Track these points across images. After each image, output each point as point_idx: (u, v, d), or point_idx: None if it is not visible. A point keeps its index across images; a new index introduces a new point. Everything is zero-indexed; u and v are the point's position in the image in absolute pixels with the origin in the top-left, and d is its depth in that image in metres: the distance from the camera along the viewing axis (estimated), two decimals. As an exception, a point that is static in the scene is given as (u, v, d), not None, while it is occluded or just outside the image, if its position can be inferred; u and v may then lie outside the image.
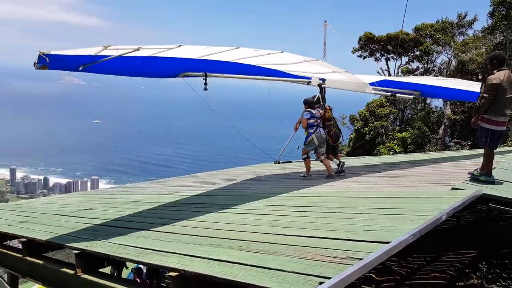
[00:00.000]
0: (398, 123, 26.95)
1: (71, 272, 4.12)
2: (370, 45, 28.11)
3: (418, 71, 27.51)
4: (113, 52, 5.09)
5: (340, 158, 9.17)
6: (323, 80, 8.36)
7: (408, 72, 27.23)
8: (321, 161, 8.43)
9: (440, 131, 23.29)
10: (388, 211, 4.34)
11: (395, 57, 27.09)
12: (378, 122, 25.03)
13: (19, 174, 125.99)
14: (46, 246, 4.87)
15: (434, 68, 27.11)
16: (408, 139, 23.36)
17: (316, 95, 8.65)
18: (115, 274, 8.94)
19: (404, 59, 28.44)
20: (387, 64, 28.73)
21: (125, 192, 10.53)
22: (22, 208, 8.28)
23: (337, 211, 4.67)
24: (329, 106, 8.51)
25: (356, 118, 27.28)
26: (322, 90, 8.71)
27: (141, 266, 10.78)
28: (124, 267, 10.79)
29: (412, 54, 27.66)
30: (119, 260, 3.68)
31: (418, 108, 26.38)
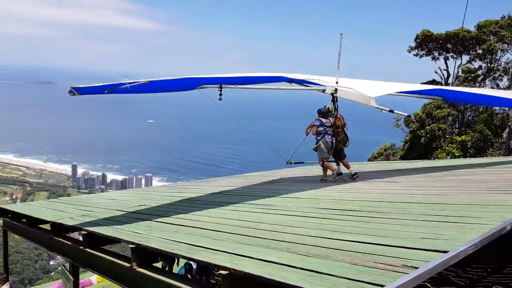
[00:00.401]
0: (457, 125, 25.57)
1: (127, 265, 4.30)
2: (427, 43, 26.90)
3: (480, 71, 25.99)
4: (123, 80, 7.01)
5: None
6: (336, 90, 8.67)
7: (469, 72, 25.78)
8: (322, 165, 9.26)
9: (504, 135, 21.84)
10: (446, 218, 4.12)
11: (455, 56, 25.74)
12: (435, 125, 23.86)
13: (80, 170, 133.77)
14: (104, 239, 5.11)
15: (499, 67, 25.47)
16: (468, 143, 22.11)
17: (327, 105, 9.13)
18: (166, 269, 9.25)
19: (465, 58, 26.97)
20: (446, 63, 27.37)
21: (177, 190, 10.83)
22: (82, 203, 8.76)
23: (391, 217, 4.50)
24: (340, 115, 9.04)
25: (412, 120, 26.22)
26: (334, 99, 9.04)
27: (191, 262, 11.06)
28: (176, 263, 11.17)
29: (473, 52, 26.14)
30: (171, 256, 3.79)
31: (480, 110, 24.88)
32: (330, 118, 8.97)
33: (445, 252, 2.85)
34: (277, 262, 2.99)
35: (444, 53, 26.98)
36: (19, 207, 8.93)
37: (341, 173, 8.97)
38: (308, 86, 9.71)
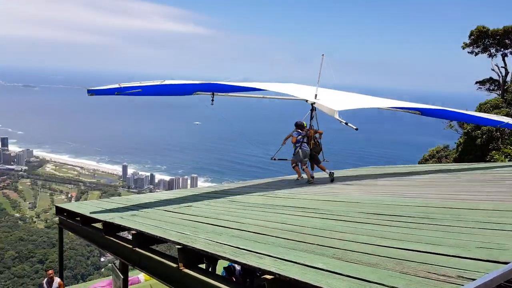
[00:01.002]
0: (517, 125, 23.98)
1: (174, 265, 4.38)
2: (483, 39, 25.50)
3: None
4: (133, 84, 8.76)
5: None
6: (314, 103, 10.04)
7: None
8: (304, 170, 10.56)
9: None
10: (506, 226, 3.85)
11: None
12: (493, 125, 22.51)
13: (130, 171, 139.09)
14: (152, 239, 5.24)
15: None
16: (530, 144, 20.67)
17: (301, 122, 10.64)
18: (209, 270, 9.36)
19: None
20: (503, 60, 25.79)
21: (221, 191, 10.94)
22: (132, 202, 9.06)
23: (444, 224, 4.27)
24: (312, 126, 10.67)
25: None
26: (313, 108, 10.59)
27: (235, 264, 11.12)
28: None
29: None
30: (216, 257, 3.82)
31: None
32: (305, 130, 10.51)
33: (505, 263, 2.66)
34: (324, 269, 2.92)
35: (502, 49, 25.47)
36: (73, 206, 9.38)
37: (313, 177, 10.49)
38: (292, 96, 10.82)
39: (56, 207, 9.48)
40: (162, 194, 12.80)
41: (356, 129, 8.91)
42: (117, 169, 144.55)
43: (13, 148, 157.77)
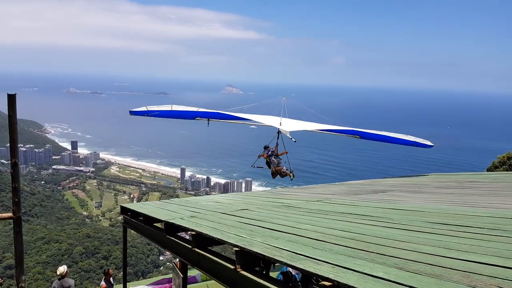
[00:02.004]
0: None
1: (232, 267, 4.45)
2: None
3: None
4: (161, 107, 14.71)
5: None
6: (278, 129, 14.40)
7: None
8: (282, 169, 14.65)
9: None
10: None
11: None
12: None
13: (187, 174, 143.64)
14: (210, 240, 5.37)
15: None
16: None
17: (267, 145, 15.06)
18: (263, 273, 9.40)
19: None
20: None
21: (276, 196, 10.97)
22: (191, 204, 9.35)
23: (516, 236, 3.99)
24: (278, 145, 14.85)
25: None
26: (279, 133, 14.62)
27: (290, 269, 11.08)
28: (272, 268, 11.28)
29: None
30: (273, 262, 3.83)
31: None
32: (270, 149, 14.92)
33: None
34: (384, 278, 2.83)
35: None
36: (137, 206, 9.84)
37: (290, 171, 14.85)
38: (264, 124, 15.31)
39: (121, 207, 10.00)
40: (218, 197, 13.08)
41: (295, 141, 13.31)
42: (176, 172, 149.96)
43: (82, 151, 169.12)
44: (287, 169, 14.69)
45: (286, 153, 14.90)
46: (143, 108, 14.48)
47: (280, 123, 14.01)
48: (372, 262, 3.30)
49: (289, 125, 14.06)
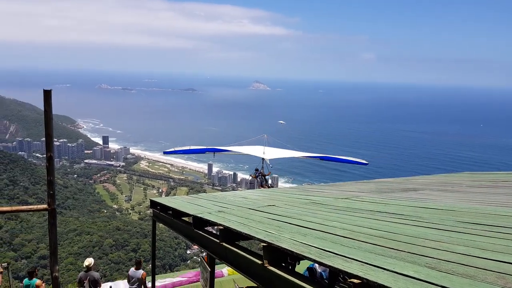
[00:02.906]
0: None
1: (259, 262, 4.48)
2: None
3: None
4: (182, 148, 22.52)
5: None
6: (263, 158, 18.29)
7: None
8: (264, 186, 17.94)
9: None
10: None
11: None
12: None
13: (215, 169, 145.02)
14: (237, 235, 5.41)
15: None
16: None
17: (257, 167, 18.68)
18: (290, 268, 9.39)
19: None
20: None
21: (303, 192, 10.92)
22: (218, 199, 9.45)
23: (555, 238, 3.83)
24: (263, 169, 18.50)
25: None
26: (263, 160, 18.33)
27: (316, 265, 11.04)
28: (297, 264, 11.26)
29: None
30: (301, 258, 3.83)
31: None
32: (258, 172, 18.50)
33: None
34: (415, 277, 2.78)
35: None
36: (166, 200, 10.03)
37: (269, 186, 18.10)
38: (251, 154, 19.58)
39: (151, 200, 10.21)
40: (246, 193, 13.16)
41: (270, 171, 18.80)
42: (203, 167, 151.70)
43: (113, 146, 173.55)
44: (267, 185, 18.96)
45: (270, 174, 19.15)
46: (172, 149, 21.21)
47: (264, 152, 18.43)
48: (402, 261, 3.25)
49: (269, 153, 18.74)
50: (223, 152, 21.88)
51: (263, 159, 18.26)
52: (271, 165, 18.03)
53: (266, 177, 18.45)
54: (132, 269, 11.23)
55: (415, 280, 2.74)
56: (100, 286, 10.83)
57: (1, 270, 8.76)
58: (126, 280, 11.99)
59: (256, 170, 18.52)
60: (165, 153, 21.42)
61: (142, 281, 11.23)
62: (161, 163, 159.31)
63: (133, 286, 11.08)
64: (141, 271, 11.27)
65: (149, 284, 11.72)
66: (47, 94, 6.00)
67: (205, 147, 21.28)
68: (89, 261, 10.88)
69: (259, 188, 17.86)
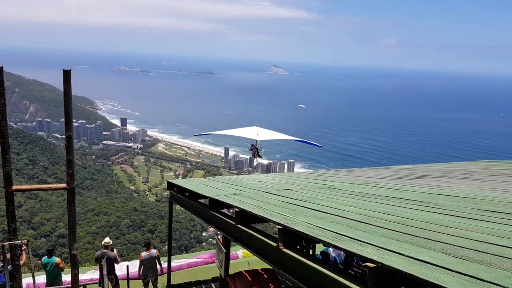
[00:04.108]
0: None
1: (274, 244, 4.54)
2: None
3: None
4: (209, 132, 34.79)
5: None
6: (256, 142, 20.44)
7: None
8: (255, 157, 21.05)
9: None
10: None
11: None
12: None
13: (231, 153, 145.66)
14: (253, 217, 5.48)
15: None
16: None
17: (252, 144, 20.83)
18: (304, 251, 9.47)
19: None
20: None
21: (319, 178, 10.94)
22: (234, 182, 9.54)
23: None
24: (254, 145, 20.65)
25: None
26: (257, 142, 20.40)
27: (330, 250, 11.11)
28: (311, 248, 11.35)
29: None
30: (316, 241, 3.86)
31: None
32: (254, 145, 20.66)
33: None
34: (431, 263, 2.79)
35: None
36: (183, 182, 10.17)
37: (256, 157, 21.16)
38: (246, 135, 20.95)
39: (168, 182, 10.37)
40: (262, 177, 13.25)
41: (262, 152, 21.34)
42: (220, 151, 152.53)
43: (131, 128, 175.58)
44: (258, 155, 21.48)
45: (261, 149, 21.48)
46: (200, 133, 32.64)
47: (257, 134, 20.37)
48: (418, 246, 3.26)
49: (262, 135, 20.80)
50: (219, 133, 25.43)
51: (256, 140, 20.82)
52: (262, 149, 21.01)
53: (259, 151, 21.01)
54: (144, 253, 11.44)
55: (430, 265, 2.76)
56: (118, 263, 11.11)
57: (24, 247, 9.05)
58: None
59: (252, 145, 21.37)
60: (195, 136, 28.78)
61: (158, 259, 11.50)
62: (178, 146, 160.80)
63: (149, 265, 11.34)
64: (154, 251, 11.51)
65: (165, 264, 11.99)
66: (67, 74, 6.09)
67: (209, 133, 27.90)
68: (108, 239, 11.17)
69: (253, 158, 21.70)
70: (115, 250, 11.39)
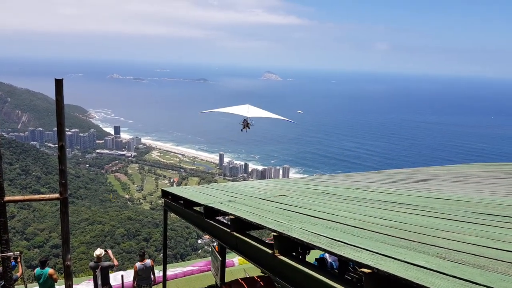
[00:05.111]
0: None
1: (270, 251, 4.52)
2: None
3: None
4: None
5: None
6: (247, 118, 22.47)
7: None
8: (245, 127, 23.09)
9: None
10: None
11: None
12: None
13: (226, 159, 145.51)
14: (248, 225, 5.45)
15: None
16: None
17: (245, 119, 22.75)
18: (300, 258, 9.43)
19: None
20: None
21: (314, 183, 10.93)
22: (230, 189, 9.51)
23: None
24: (246, 120, 22.75)
25: None
26: (247, 118, 22.55)
27: (326, 255, 11.08)
28: (306, 254, 11.31)
29: None
30: (311, 247, 3.85)
31: None
32: (245, 121, 22.67)
33: None
34: (426, 267, 2.79)
35: None
36: (177, 190, 10.12)
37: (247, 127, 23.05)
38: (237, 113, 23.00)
39: (162, 190, 10.31)
40: (256, 183, 13.22)
41: (252, 125, 23.46)
42: (214, 158, 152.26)
43: (124, 136, 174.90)
44: (248, 127, 23.33)
45: (252, 123, 23.43)
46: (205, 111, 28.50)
47: (248, 111, 22.59)
48: (413, 251, 3.26)
49: (252, 112, 22.95)
50: (213, 110, 27.57)
51: (246, 117, 23.01)
52: (253, 122, 23.04)
53: (249, 124, 23.16)
54: (139, 263, 11.29)
55: (426, 270, 2.76)
56: (115, 266, 10.94)
57: (19, 259, 8.89)
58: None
59: (244, 120, 23.44)
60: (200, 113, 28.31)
61: (152, 268, 11.38)
62: (172, 153, 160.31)
63: (144, 276, 11.21)
64: (149, 261, 11.40)
65: (160, 273, 11.88)
66: (59, 84, 6.05)
67: (210, 110, 28.49)
68: (100, 251, 10.91)
69: (243, 128, 23.54)
70: (109, 251, 11.25)
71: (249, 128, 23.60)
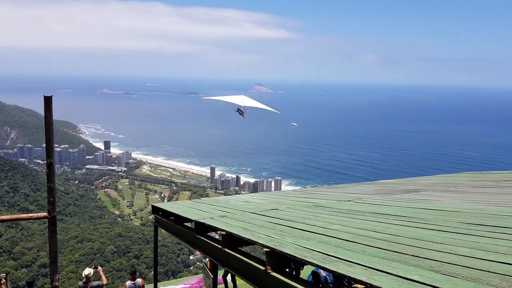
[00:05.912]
0: None
1: (262, 268, 4.45)
2: None
3: None
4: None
5: None
6: (241, 107, 25.96)
7: None
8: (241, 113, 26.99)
9: None
10: None
11: None
12: None
13: (217, 173, 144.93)
14: (240, 240, 5.38)
15: None
16: None
17: (238, 108, 26.28)
18: (293, 273, 9.34)
19: None
20: None
21: (306, 195, 10.89)
22: (221, 204, 9.42)
23: (560, 240, 3.80)
24: (240, 108, 26.24)
25: None
26: (241, 107, 25.95)
27: (320, 270, 10.99)
28: (300, 269, 11.21)
29: None
30: (304, 263, 3.80)
31: None
32: (240, 109, 26.03)
33: None
34: (419, 281, 2.76)
35: None
36: (168, 206, 10.00)
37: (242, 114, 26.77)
38: (231, 102, 26.18)
39: (153, 206, 10.19)
40: (248, 197, 13.13)
41: (246, 113, 26.79)
42: (206, 171, 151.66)
43: (114, 151, 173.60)
44: (243, 115, 25.96)
45: (245, 111, 26.00)
46: (207, 97, 34.45)
47: (242, 101, 24.82)
48: (406, 265, 3.23)
49: (246, 102, 25.04)
50: (213, 98, 30.72)
51: (241, 106, 25.59)
52: (247, 111, 25.46)
53: (243, 112, 25.32)
54: (129, 282, 11.05)
55: (419, 284, 2.72)
56: (105, 284, 10.67)
57: (3, 281, 8.55)
58: None
59: (238, 108, 25.56)
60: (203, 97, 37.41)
61: (143, 287, 11.16)
62: (163, 167, 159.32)
63: None
64: (139, 280, 11.17)
65: (151, 291, 11.66)
66: (48, 100, 6.00)
67: (209, 97, 31.70)
68: (88, 270, 10.58)
69: (241, 114, 26.12)
70: (99, 268, 11.00)
71: (243, 116, 25.97)
